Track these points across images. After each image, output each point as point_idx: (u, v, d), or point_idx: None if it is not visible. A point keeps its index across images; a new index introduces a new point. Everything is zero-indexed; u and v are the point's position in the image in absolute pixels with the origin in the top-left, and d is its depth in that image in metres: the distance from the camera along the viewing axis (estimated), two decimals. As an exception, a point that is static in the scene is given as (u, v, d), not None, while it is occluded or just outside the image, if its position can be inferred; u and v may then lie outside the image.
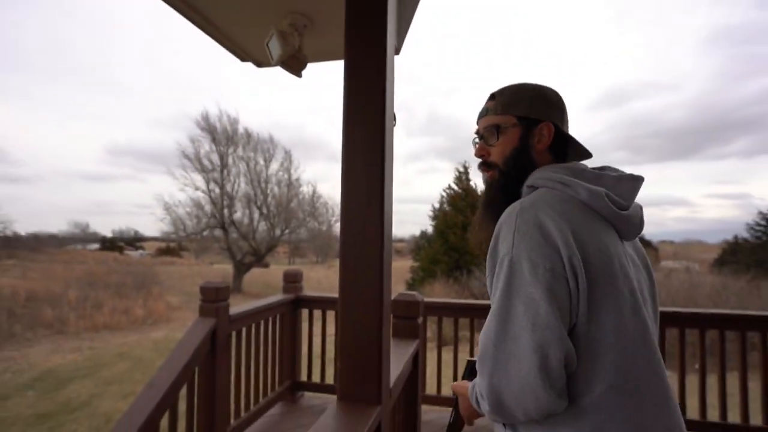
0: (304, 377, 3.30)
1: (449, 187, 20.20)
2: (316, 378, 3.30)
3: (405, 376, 1.65)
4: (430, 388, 3.13)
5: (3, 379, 6.77)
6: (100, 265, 18.97)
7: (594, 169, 0.97)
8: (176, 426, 2.03)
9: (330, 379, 3.27)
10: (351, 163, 1.23)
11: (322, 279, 24.24)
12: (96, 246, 41.92)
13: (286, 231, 22.56)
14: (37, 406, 5.62)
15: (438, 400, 3.06)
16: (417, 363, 1.88)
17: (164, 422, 1.90)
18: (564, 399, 0.78)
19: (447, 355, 3.19)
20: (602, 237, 0.83)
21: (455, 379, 3.04)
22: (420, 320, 2.00)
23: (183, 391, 2.09)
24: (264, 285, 20.57)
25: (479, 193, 18.94)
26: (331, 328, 3.27)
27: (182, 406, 2.08)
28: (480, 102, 1.10)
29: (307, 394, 3.32)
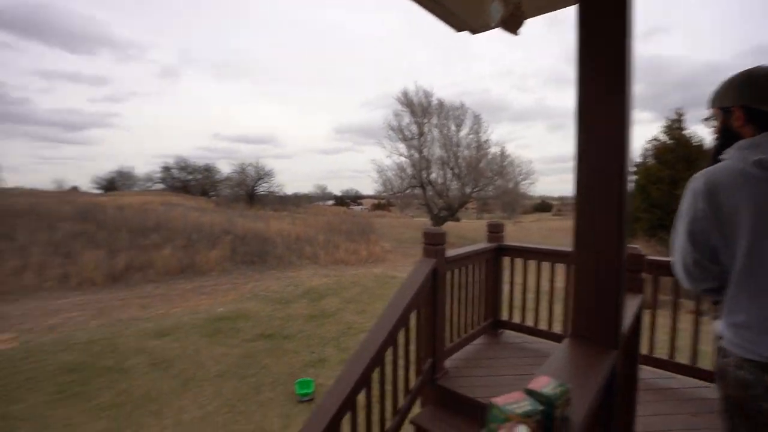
0: (504, 317, 3.33)
1: (654, 139, 16.34)
2: (516, 319, 3.28)
3: (630, 329, 1.46)
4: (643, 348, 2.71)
5: (288, 290, 9.05)
6: (335, 216, 22.86)
7: None
8: (409, 339, 2.34)
9: (529, 321, 3.20)
10: (587, 115, 1.09)
11: (510, 233, 23.45)
12: (331, 202, 50.65)
13: (476, 189, 22.45)
14: (307, 310, 7.35)
15: (652, 362, 2.64)
16: (640, 319, 1.64)
17: (401, 338, 2.22)
18: (697, 283, 1.23)
19: (663, 319, 2.69)
20: (736, 192, 1.10)
21: (672, 346, 2.55)
22: (642, 275, 1.72)
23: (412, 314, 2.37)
24: (457, 236, 21.20)
25: (693, 144, 14.97)
26: (531, 277, 3.16)
27: (411, 322, 2.36)
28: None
29: (506, 332, 3.34)
